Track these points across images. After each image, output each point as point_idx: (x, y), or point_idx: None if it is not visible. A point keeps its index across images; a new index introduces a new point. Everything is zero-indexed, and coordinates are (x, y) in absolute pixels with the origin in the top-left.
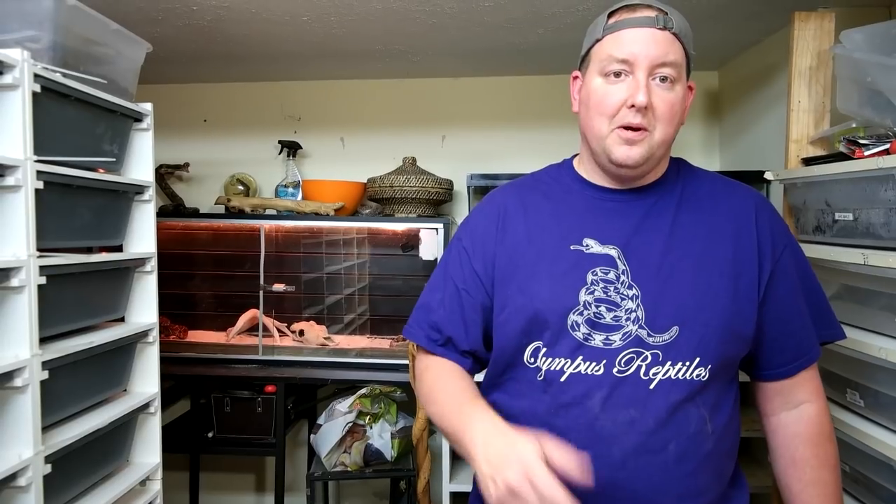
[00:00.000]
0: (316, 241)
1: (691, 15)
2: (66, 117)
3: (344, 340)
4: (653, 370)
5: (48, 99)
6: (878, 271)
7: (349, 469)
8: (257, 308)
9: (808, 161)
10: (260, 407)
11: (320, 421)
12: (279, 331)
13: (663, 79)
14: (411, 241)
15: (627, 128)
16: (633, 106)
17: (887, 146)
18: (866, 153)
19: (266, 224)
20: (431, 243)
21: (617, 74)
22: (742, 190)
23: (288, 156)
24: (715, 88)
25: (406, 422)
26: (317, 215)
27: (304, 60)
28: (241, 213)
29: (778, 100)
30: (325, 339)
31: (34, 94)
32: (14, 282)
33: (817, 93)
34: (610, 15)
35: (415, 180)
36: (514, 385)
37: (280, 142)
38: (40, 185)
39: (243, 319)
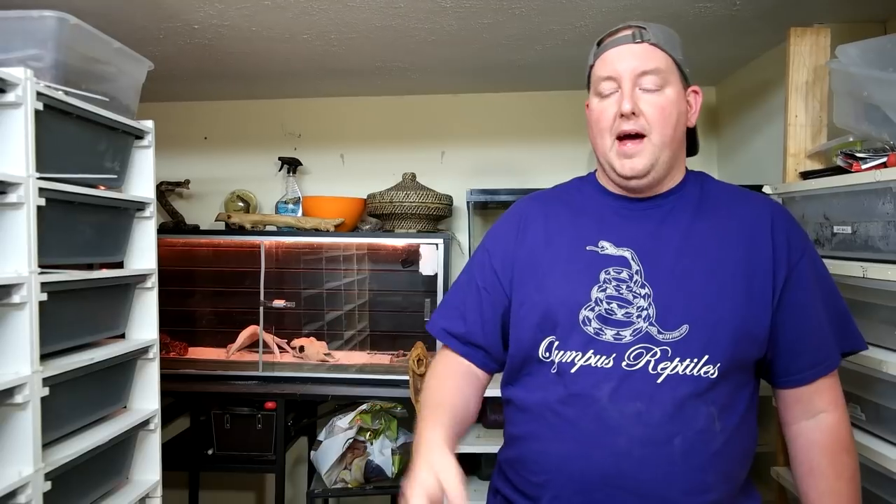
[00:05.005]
0: (316, 257)
1: (688, 31)
2: (68, 135)
3: (344, 356)
4: (661, 365)
5: (50, 117)
6: (878, 284)
7: (350, 486)
8: (257, 324)
9: (805, 175)
10: (260, 423)
11: (320, 437)
12: (279, 347)
13: (648, 88)
14: (411, 256)
15: (623, 137)
16: (622, 115)
17: (884, 159)
18: (864, 167)
19: (266, 240)
20: (431, 258)
21: (607, 94)
22: (759, 199)
23: (288, 172)
24: (713, 104)
25: (407, 438)
26: (317, 231)
27: (304, 78)
28: (241, 230)
29: (775, 114)
30: (325, 355)
31: (36, 112)
32: (15, 298)
33: (814, 107)
34: (599, 43)
35: (414, 196)
36: (529, 380)
37: (280, 158)
38: (42, 202)
39: (243, 336)
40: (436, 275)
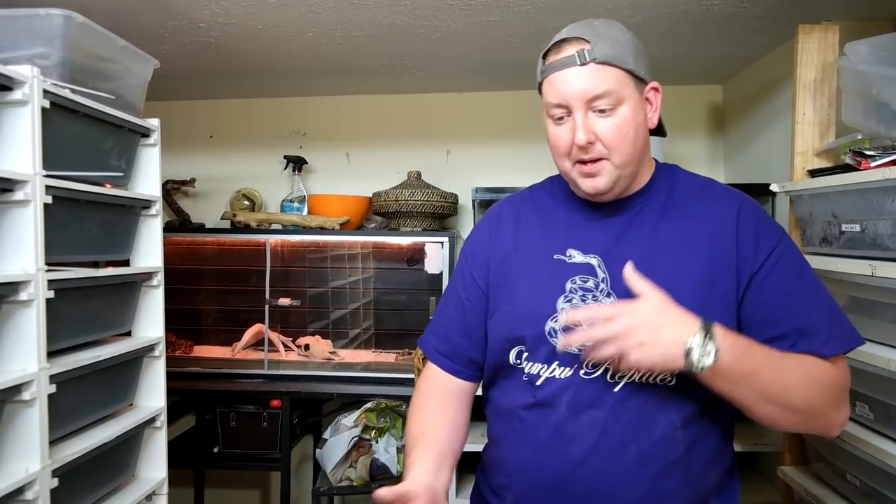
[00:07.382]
0: (321, 256)
1: (695, 29)
2: (74, 133)
3: (349, 355)
4: (619, 374)
5: (57, 115)
6: (886, 283)
7: (355, 484)
8: (263, 323)
9: (813, 173)
10: (265, 422)
11: (326, 435)
12: (284, 345)
13: (601, 110)
14: (417, 255)
15: (582, 162)
16: (578, 146)
17: (893, 157)
18: (872, 164)
19: (272, 239)
20: (437, 257)
21: (560, 118)
22: (726, 194)
23: (293, 171)
24: (719, 102)
25: None
26: (322, 230)
27: (309, 76)
28: (246, 228)
29: (783, 112)
30: (330, 353)
31: (43, 110)
32: (22, 296)
33: (822, 105)
34: (544, 56)
35: (420, 194)
36: (503, 382)
37: (285, 157)
38: (49, 199)
39: (249, 334)
40: (441, 273)
